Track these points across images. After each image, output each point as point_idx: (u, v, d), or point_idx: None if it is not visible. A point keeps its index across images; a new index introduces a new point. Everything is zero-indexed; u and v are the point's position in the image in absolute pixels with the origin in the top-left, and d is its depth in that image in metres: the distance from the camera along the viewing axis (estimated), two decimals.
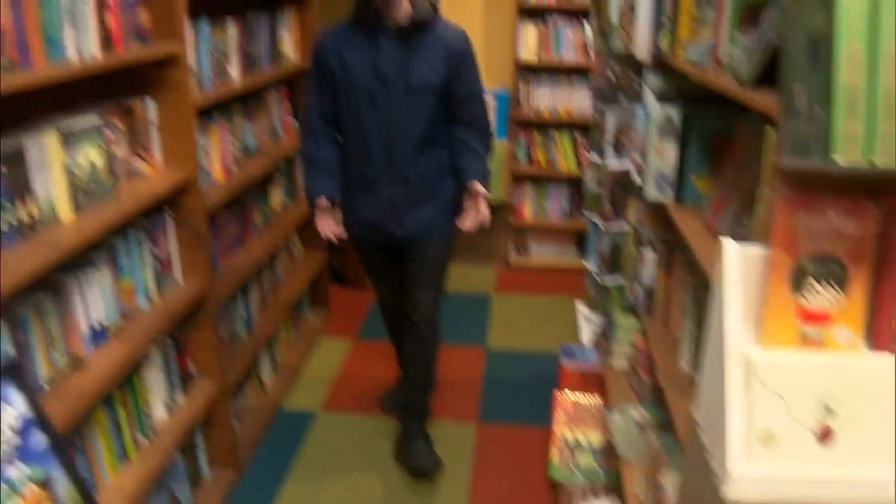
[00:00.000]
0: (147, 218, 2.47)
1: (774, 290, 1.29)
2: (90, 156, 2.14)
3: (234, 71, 3.16)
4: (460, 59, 2.87)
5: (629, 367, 2.99)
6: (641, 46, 2.89)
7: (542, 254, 5.38)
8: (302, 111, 3.01)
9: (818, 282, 1.28)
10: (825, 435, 1.23)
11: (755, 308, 1.32)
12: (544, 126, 5.16)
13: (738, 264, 1.35)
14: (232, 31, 3.11)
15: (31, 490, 1.29)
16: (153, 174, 2.51)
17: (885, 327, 1.23)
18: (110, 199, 2.22)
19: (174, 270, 2.66)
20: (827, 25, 1.08)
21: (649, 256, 2.83)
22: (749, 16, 2.10)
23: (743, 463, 1.22)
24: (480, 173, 2.90)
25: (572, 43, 4.98)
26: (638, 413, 2.66)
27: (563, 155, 5.16)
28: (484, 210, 2.92)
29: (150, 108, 2.48)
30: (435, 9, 2.88)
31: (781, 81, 1.21)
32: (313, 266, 4.15)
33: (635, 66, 3.18)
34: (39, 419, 1.41)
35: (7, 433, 1.33)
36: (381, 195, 2.94)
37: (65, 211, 2.07)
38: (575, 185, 5.21)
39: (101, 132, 2.17)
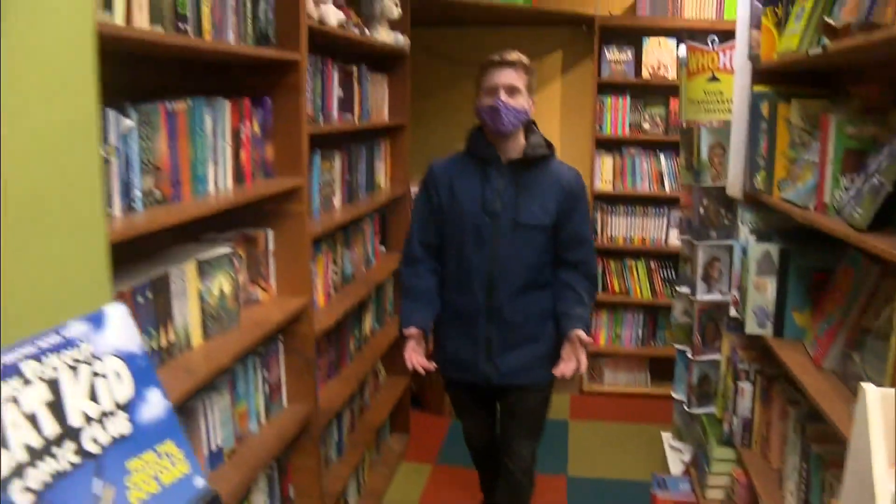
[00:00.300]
0: (262, 344, 2.57)
1: None
2: (221, 284, 2.26)
3: (338, 201, 3.31)
4: (573, 199, 2.77)
5: (726, 498, 2.96)
6: (734, 183, 2.98)
7: (616, 380, 5.37)
8: (405, 238, 2.97)
9: None
10: None
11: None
12: (619, 254, 5.24)
13: (882, 408, 1.38)
14: (337, 163, 3.28)
15: None
16: (269, 301, 2.62)
17: None
18: (235, 326, 2.33)
19: (282, 396, 2.73)
20: None
21: (747, 388, 2.84)
22: (853, 159, 2.20)
23: None
24: (584, 321, 2.74)
25: (647, 173, 5.11)
26: None
27: (637, 282, 5.21)
28: (583, 359, 2.72)
29: (270, 238, 2.61)
30: (550, 145, 2.82)
31: None
32: (396, 391, 4.20)
33: (725, 201, 3.26)
34: None
35: None
36: (478, 334, 2.82)
37: (196, 337, 2.17)
38: (649, 312, 5.25)
39: (231, 261, 2.30)
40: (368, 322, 3.81)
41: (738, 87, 2.97)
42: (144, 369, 1.11)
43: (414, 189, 4.36)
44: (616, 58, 5.03)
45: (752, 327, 2.66)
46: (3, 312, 1.01)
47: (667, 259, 5.17)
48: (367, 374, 3.76)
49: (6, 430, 0.89)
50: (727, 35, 3.62)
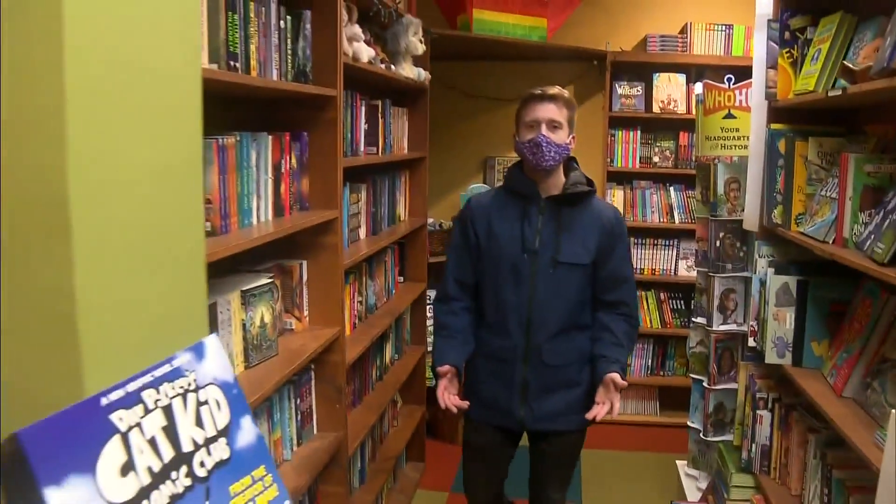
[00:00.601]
0: (297, 373, 2.64)
1: None
2: (262, 313, 2.33)
3: (363, 233, 3.40)
4: (613, 238, 2.70)
5: None
6: (750, 217, 3.06)
7: (627, 409, 5.42)
8: (441, 278, 2.88)
9: None
10: None
11: None
12: None
13: None
14: (363, 195, 3.37)
15: None
16: (302, 330, 2.69)
17: None
18: (274, 354, 2.40)
19: (313, 423, 2.80)
20: None
21: (765, 416, 2.91)
22: (870, 195, 2.29)
23: None
24: (620, 364, 2.63)
25: (657, 206, 5.20)
26: None
27: (647, 313, 5.29)
28: (616, 403, 2.61)
29: (304, 269, 2.69)
30: (590, 182, 2.75)
31: None
32: (413, 420, 4.26)
33: (740, 234, 3.35)
34: None
35: None
36: (514, 376, 2.71)
37: (239, 365, 2.25)
38: (659, 341, 5.32)
39: (272, 292, 2.38)
40: (388, 352, 3.88)
41: (754, 124, 3.06)
42: (238, 397, 1.19)
43: (430, 221, 4.46)
44: (627, 92, 5.14)
45: (771, 357, 2.74)
46: (123, 344, 1.09)
47: (676, 290, 5.26)
48: (387, 403, 3.82)
49: (136, 455, 0.97)
50: (734, 70, 3.75)
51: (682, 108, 5.04)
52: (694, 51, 5.03)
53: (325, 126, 2.64)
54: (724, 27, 5.02)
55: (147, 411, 1.02)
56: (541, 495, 2.90)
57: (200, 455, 1.08)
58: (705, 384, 3.56)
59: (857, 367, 2.39)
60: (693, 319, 3.78)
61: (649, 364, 5.39)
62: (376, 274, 3.61)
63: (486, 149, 5.34)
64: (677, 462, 4.06)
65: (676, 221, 5.16)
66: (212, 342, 1.17)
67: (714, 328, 3.46)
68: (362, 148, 3.28)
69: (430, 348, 4.29)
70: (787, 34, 2.82)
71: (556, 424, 2.76)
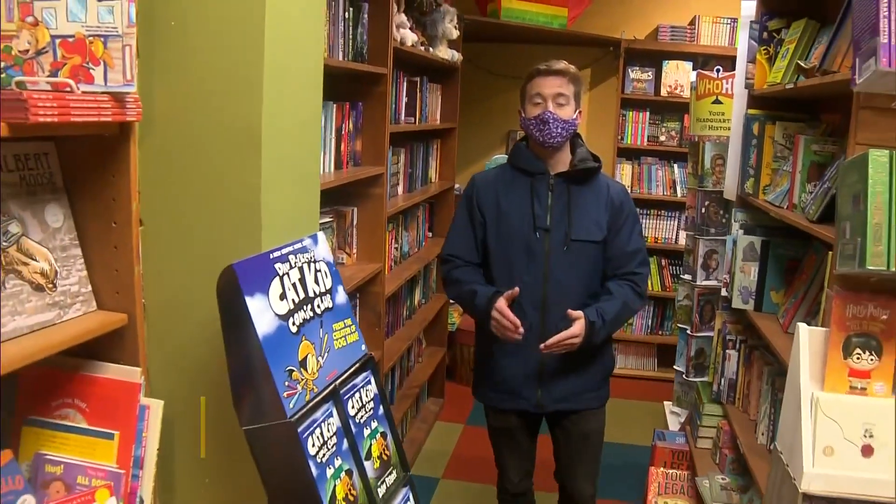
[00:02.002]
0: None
1: (832, 356, 1.96)
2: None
3: (401, 189, 3.98)
4: (622, 212, 2.67)
5: (713, 446, 3.60)
6: (730, 188, 3.62)
7: (627, 364, 6.00)
8: (440, 257, 2.86)
9: (862, 351, 1.95)
10: (867, 451, 1.88)
11: (819, 368, 1.99)
12: None
13: (808, 339, 2.02)
14: (402, 157, 3.95)
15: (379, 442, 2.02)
16: (352, 264, 3.28)
17: None
18: None
19: None
20: (863, 186, 1.79)
21: (733, 355, 3.48)
22: (816, 170, 2.84)
23: (812, 466, 1.87)
24: (602, 316, 2.56)
25: (662, 180, 5.76)
26: (722, 479, 3.27)
27: (649, 277, 5.84)
28: (571, 340, 2.51)
29: (355, 214, 3.28)
30: (596, 158, 2.70)
31: (836, 220, 1.93)
32: (434, 359, 4.87)
33: (723, 203, 3.91)
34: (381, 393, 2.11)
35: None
36: (530, 358, 2.62)
37: None
38: (659, 303, 5.89)
39: (332, 228, 2.97)
40: (417, 295, 4.48)
41: (736, 109, 3.60)
42: (335, 272, 1.87)
43: (457, 185, 5.03)
44: (638, 77, 5.69)
45: (737, 303, 3.30)
46: (275, 226, 1.75)
47: (676, 257, 5.81)
48: (414, 339, 4.42)
49: (287, 290, 1.64)
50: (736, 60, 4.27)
51: (687, 93, 5.55)
52: (701, 41, 5.56)
53: (376, 98, 3.23)
54: (729, 20, 5.52)
55: (291, 266, 1.69)
56: (570, 488, 2.87)
57: (317, 300, 1.76)
58: (689, 332, 4.13)
59: (800, 309, 2.95)
60: (681, 276, 4.35)
61: (649, 324, 5.96)
62: (410, 226, 4.19)
63: (509, 123, 5.91)
64: (665, 403, 4.64)
65: (679, 195, 5.71)
66: (321, 236, 1.86)
67: (698, 283, 4.03)
68: (403, 117, 3.85)
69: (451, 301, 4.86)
70: (765, 34, 3.34)
71: (574, 404, 2.73)
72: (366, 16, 3.13)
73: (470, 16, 4.74)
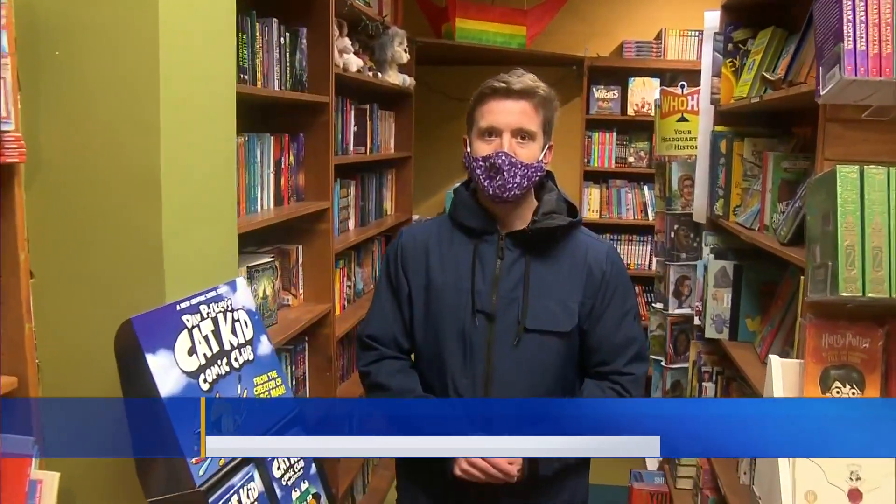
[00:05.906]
0: (292, 343, 3.01)
1: (809, 391, 1.78)
2: (265, 287, 2.71)
3: (352, 224, 3.77)
4: (606, 287, 1.94)
5: (693, 486, 3.39)
6: (699, 210, 3.44)
7: None
8: (358, 337, 2.11)
9: (842, 384, 1.76)
10: (855, 496, 1.68)
11: None
12: None
13: (781, 372, 1.83)
14: (352, 190, 3.74)
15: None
16: (298, 306, 3.07)
17: None
18: (275, 323, 2.78)
19: (306, 390, 3.17)
20: (832, 205, 1.61)
21: (709, 387, 3.28)
22: (787, 189, 2.66)
23: None
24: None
25: (632, 204, 5.59)
26: None
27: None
28: (496, 472, 1.81)
29: (300, 252, 3.07)
30: (572, 208, 1.99)
31: (806, 242, 1.74)
32: None
33: (692, 226, 3.73)
34: None
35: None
36: (467, 492, 1.89)
37: None
38: None
39: (273, 269, 2.76)
40: None
41: (702, 126, 3.44)
42: (258, 321, 1.77)
43: (416, 217, 4.83)
44: (603, 96, 5.53)
45: (711, 332, 3.11)
46: (181, 275, 1.68)
47: (650, 283, 5.61)
48: None
49: (197, 344, 1.56)
50: None
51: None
52: (668, 56, 5.41)
53: (319, 128, 3.04)
54: (697, 33, 5.29)
55: (202, 318, 1.58)
56: None
57: (235, 353, 1.65)
58: (663, 364, 3.93)
59: (777, 337, 2.76)
60: (652, 305, 4.16)
61: None
62: (364, 262, 3.98)
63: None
64: None
65: (650, 218, 5.52)
66: (241, 281, 1.77)
67: (670, 311, 3.83)
68: (352, 147, 3.66)
69: None
70: (730, 46, 3.19)
71: None
72: (304, 41, 2.94)
73: (422, 38, 4.57)
